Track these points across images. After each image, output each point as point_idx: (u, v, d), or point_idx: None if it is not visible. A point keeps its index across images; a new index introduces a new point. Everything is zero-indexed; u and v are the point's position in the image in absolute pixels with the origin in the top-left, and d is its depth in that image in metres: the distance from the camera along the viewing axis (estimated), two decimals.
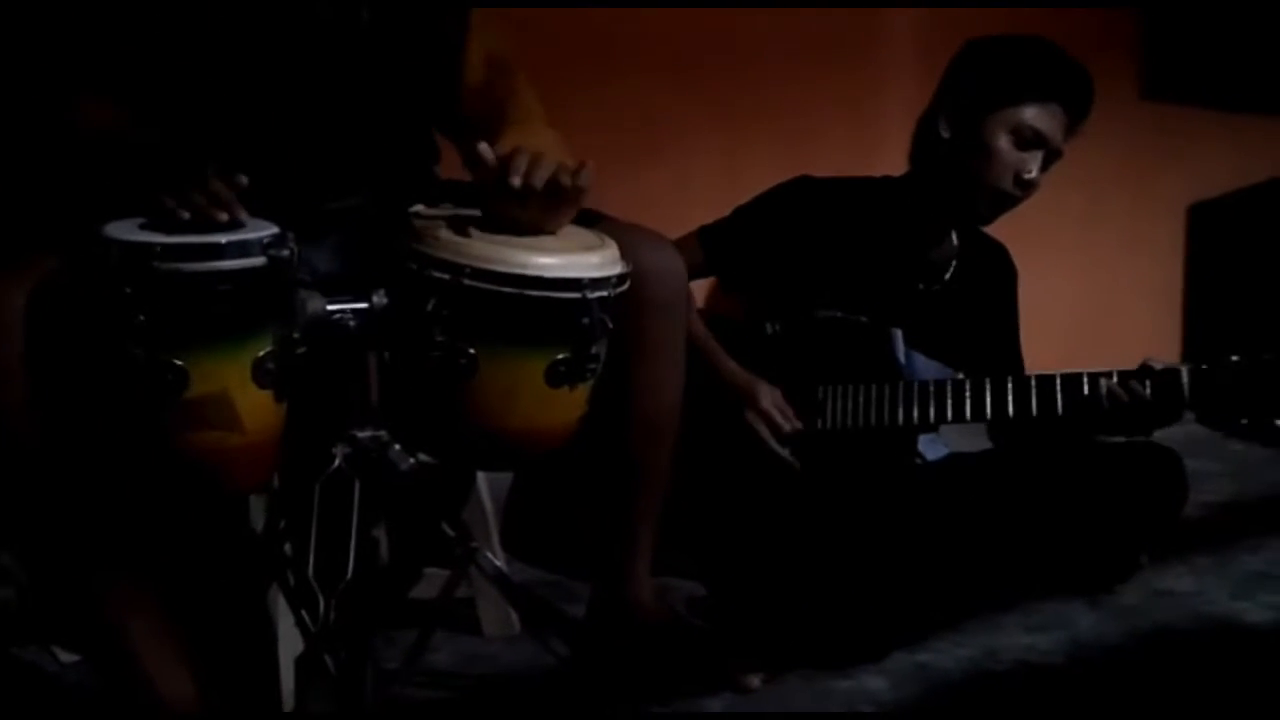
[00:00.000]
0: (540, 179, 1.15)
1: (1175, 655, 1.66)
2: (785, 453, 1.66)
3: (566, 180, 1.16)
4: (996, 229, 1.79)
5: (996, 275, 1.82)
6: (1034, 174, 1.64)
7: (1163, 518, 1.76)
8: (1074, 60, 1.67)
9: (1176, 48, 2.91)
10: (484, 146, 1.17)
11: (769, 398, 1.65)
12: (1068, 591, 1.79)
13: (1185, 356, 2.94)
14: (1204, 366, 1.60)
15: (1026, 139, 1.63)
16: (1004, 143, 1.63)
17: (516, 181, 1.14)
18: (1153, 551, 1.85)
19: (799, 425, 1.66)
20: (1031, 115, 1.63)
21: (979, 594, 1.72)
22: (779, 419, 1.65)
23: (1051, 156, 1.66)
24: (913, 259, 1.73)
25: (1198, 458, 1.98)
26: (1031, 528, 1.71)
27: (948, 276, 1.75)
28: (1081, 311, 2.93)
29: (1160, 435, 1.79)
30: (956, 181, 1.67)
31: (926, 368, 1.74)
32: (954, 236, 1.76)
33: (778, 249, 1.70)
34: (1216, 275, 3.01)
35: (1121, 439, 1.68)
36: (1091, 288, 2.99)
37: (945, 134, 1.68)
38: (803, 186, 1.74)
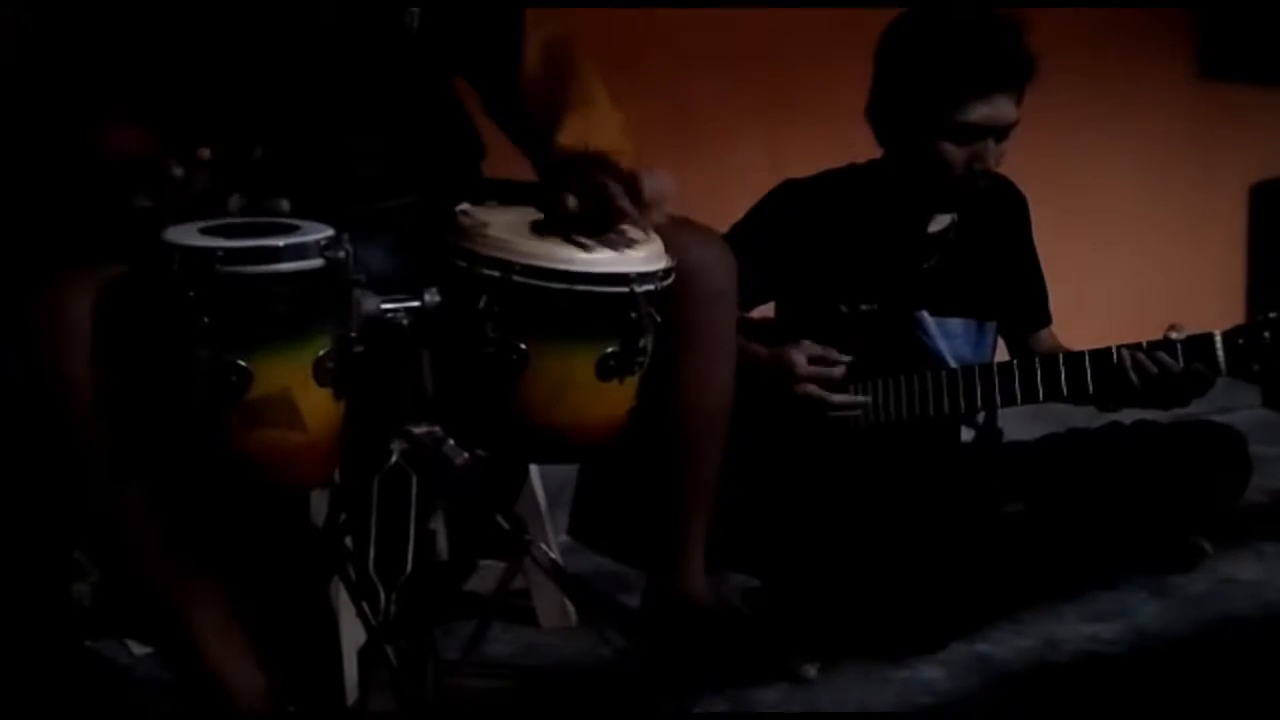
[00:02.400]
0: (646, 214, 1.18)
1: (1240, 644, 1.63)
2: (849, 396, 1.63)
3: (625, 206, 1.18)
4: (1041, 202, 1.76)
5: (1003, 213, 1.77)
6: (989, 161, 1.59)
7: (1225, 499, 1.72)
8: (1002, 29, 1.58)
9: (1234, 25, 2.84)
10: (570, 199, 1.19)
11: (803, 358, 1.63)
12: (1130, 580, 1.76)
13: None
14: (1237, 327, 1.56)
15: (973, 135, 1.58)
16: (947, 147, 1.58)
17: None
18: (1217, 538, 1.82)
19: (844, 361, 1.63)
20: (970, 112, 1.57)
21: (1038, 582, 1.70)
22: (824, 371, 1.63)
23: (1005, 132, 1.60)
24: (910, 239, 1.71)
25: (1264, 442, 1.94)
26: (1090, 511, 1.69)
27: (951, 237, 1.72)
28: (1144, 293, 2.87)
29: (1225, 419, 1.76)
30: (912, 182, 1.65)
31: (964, 332, 1.72)
32: None
33: (780, 258, 1.68)
34: None
35: (1162, 411, 1.63)
36: (1154, 270, 2.93)
37: (886, 141, 1.66)
38: (789, 191, 1.72)
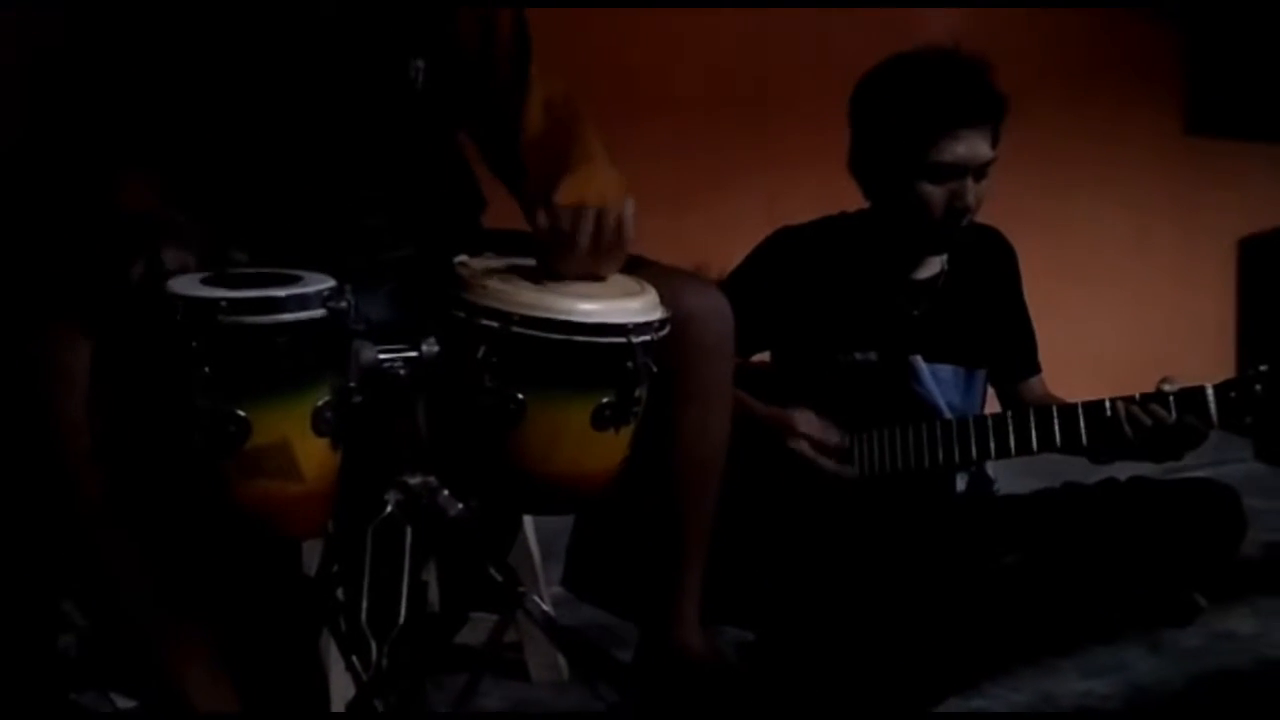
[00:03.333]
0: (586, 235, 1.18)
1: (1237, 700, 1.62)
2: (835, 465, 1.65)
3: (609, 233, 1.19)
4: (1031, 255, 1.80)
5: (991, 262, 1.80)
6: (968, 199, 1.63)
7: (1220, 555, 1.72)
8: (966, 68, 1.62)
9: (1220, 81, 2.90)
10: (546, 211, 1.20)
11: (804, 420, 1.65)
12: (1126, 635, 1.75)
13: None
14: (1229, 381, 1.58)
15: (949, 174, 1.62)
16: (926, 188, 1.62)
17: (582, 242, 1.18)
18: (1212, 592, 1.81)
19: (842, 438, 1.65)
20: (943, 151, 1.60)
21: (1034, 637, 1.70)
22: (820, 435, 1.65)
23: (983, 169, 1.63)
24: (900, 285, 1.73)
25: (1257, 495, 1.94)
26: (1085, 567, 1.68)
27: (940, 285, 1.75)
28: (1133, 347, 2.89)
29: (1217, 473, 1.76)
30: (897, 228, 1.68)
31: (954, 379, 1.73)
32: None
33: (779, 305, 1.71)
34: (1270, 309, 2.97)
35: (1157, 465, 1.64)
36: (1143, 323, 2.96)
37: (867, 192, 1.70)
38: (785, 238, 1.75)
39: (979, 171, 1.63)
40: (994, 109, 1.64)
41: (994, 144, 1.65)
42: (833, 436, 1.65)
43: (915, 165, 1.62)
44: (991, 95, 1.64)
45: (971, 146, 1.61)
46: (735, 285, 1.71)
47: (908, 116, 1.62)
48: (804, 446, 1.64)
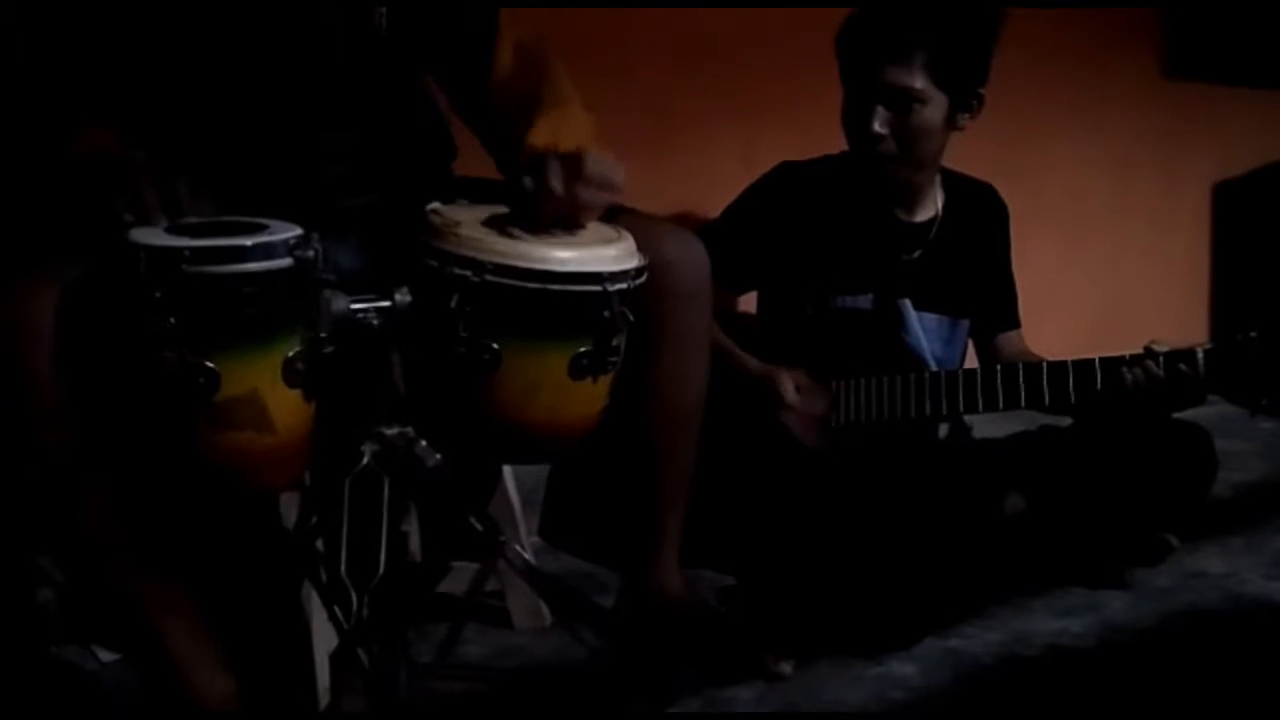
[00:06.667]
0: (558, 179, 1.17)
1: (1208, 637, 1.65)
2: (817, 440, 1.65)
3: (593, 181, 1.18)
4: (1012, 202, 1.80)
5: (984, 217, 1.81)
6: (876, 128, 1.63)
7: (1192, 495, 1.75)
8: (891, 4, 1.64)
9: (1199, 25, 2.88)
10: (524, 158, 1.19)
11: (792, 390, 1.65)
12: (1098, 574, 1.78)
13: (1213, 336, 2.92)
14: (1219, 344, 1.58)
15: (857, 98, 1.65)
16: (847, 107, 1.67)
17: (556, 187, 1.16)
18: (1183, 532, 1.84)
19: (828, 405, 1.66)
20: (847, 73, 1.66)
21: (1009, 578, 1.72)
22: (810, 404, 1.65)
23: (895, 97, 1.62)
24: (892, 229, 1.73)
25: (1228, 437, 1.96)
26: (1060, 507, 1.70)
27: (932, 235, 1.75)
28: (1109, 292, 2.91)
29: (1189, 415, 1.78)
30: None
31: (938, 327, 1.74)
32: (938, 193, 1.75)
33: (773, 240, 1.70)
34: (1243, 253, 2.98)
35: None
36: (1119, 268, 2.96)
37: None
38: (786, 173, 1.75)
39: (889, 97, 1.62)
40: (911, 39, 1.61)
41: (929, 79, 1.62)
42: (819, 405, 1.65)
43: (846, 87, 1.66)
44: (918, 25, 1.62)
45: (888, 72, 1.60)
46: (734, 217, 1.71)
47: (842, 39, 1.66)
48: (794, 420, 1.65)
